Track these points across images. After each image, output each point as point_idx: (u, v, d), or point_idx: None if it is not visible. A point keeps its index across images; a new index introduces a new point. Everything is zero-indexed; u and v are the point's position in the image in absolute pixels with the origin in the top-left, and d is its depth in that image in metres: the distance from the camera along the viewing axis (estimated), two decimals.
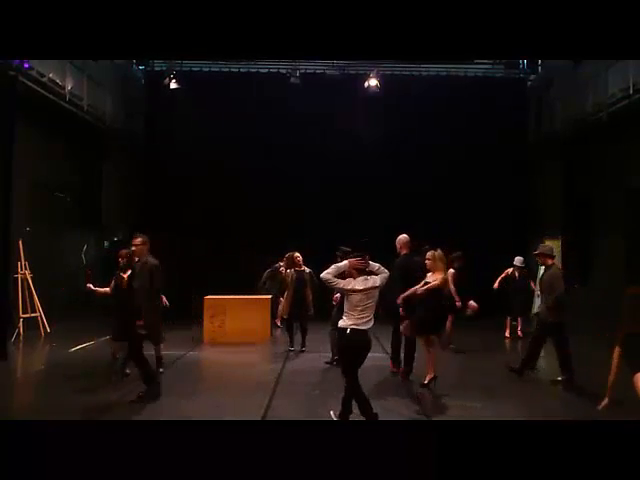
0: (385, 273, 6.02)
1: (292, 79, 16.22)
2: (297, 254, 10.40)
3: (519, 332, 12.00)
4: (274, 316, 12.71)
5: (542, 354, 9.33)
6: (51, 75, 11.68)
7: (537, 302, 15.59)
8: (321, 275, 5.86)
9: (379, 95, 15.69)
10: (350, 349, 5.85)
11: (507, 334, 12.08)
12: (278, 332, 12.48)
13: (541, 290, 8.21)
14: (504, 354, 10.85)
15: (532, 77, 17.17)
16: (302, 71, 16.36)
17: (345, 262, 5.92)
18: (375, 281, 5.90)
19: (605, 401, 5.99)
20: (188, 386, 7.79)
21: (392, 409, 6.66)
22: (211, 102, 16.14)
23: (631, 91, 11.10)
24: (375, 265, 6.00)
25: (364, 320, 5.80)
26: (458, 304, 9.77)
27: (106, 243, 15.76)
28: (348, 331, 5.77)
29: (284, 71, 16.48)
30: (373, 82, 15.72)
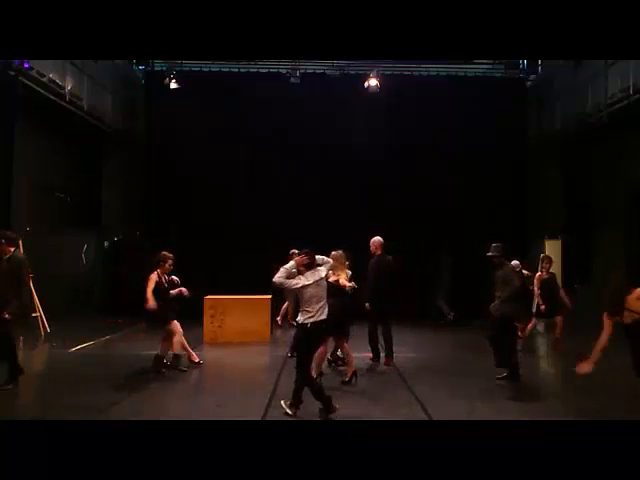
0: (328, 262, 6.67)
1: (292, 79, 16.22)
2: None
3: (519, 333, 11.90)
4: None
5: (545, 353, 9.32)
6: (51, 75, 11.67)
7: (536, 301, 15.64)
8: (273, 280, 6.29)
9: (379, 95, 15.68)
10: (311, 341, 6.38)
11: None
12: (278, 332, 12.46)
13: (496, 287, 8.24)
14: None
15: (532, 77, 17.17)
16: (302, 71, 16.35)
17: (292, 262, 6.41)
18: (321, 273, 6.44)
19: (587, 365, 5.75)
20: (188, 386, 7.79)
21: (392, 409, 6.66)
22: (211, 102, 16.14)
23: (631, 91, 11.09)
24: (320, 257, 6.57)
25: (320, 311, 6.28)
26: (542, 307, 10.23)
27: (106, 243, 15.76)
28: (309, 325, 6.25)
29: (284, 71, 16.48)
30: (373, 82, 15.71)
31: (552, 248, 15.30)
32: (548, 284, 10.32)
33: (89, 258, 14.62)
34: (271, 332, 11.83)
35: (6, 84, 10.11)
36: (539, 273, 10.53)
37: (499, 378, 8.10)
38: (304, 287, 6.28)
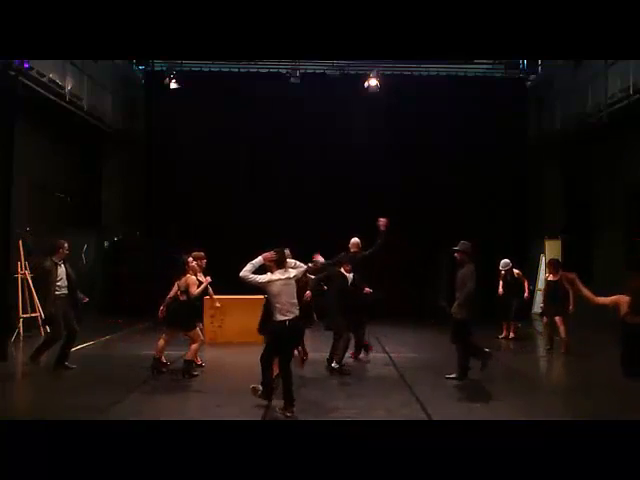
0: (302, 267, 6.77)
1: (292, 79, 16.23)
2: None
3: (511, 333, 11.87)
4: None
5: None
6: (51, 75, 11.66)
7: (537, 301, 15.64)
8: (240, 275, 6.36)
9: (379, 95, 15.68)
10: (287, 339, 6.47)
11: (504, 335, 12.00)
12: None
13: (455, 286, 8.23)
14: (503, 355, 10.86)
15: (532, 77, 17.17)
16: (302, 71, 16.36)
17: (259, 258, 6.44)
18: (290, 274, 6.50)
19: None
20: (188, 386, 7.78)
21: (392, 409, 6.66)
22: (211, 102, 16.14)
23: (631, 91, 11.09)
24: (292, 261, 6.73)
25: (292, 308, 6.39)
26: (541, 306, 10.95)
27: (106, 243, 15.75)
28: (287, 324, 6.33)
29: (284, 71, 16.48)
30: (373, 82, 15.72)
31: (552, 248, 15.29)
32: (554, 286, 10.37)
33: (89, 258, 14.60)
34: None
35: (6, 84, 10.08)
36: (547, 274, 10.69)
37: (448, 377, 8.10)
38: (270, 282, 6.36)
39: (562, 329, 10.27)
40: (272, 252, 6.49)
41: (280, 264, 6.47)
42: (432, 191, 16.04)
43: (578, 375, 8.63)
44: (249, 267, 6.36)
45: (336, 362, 8.66)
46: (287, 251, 7.82)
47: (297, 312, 6.46)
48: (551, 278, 10.49)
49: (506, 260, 11.65)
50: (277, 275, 6.40)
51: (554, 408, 6.90)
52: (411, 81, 16.51)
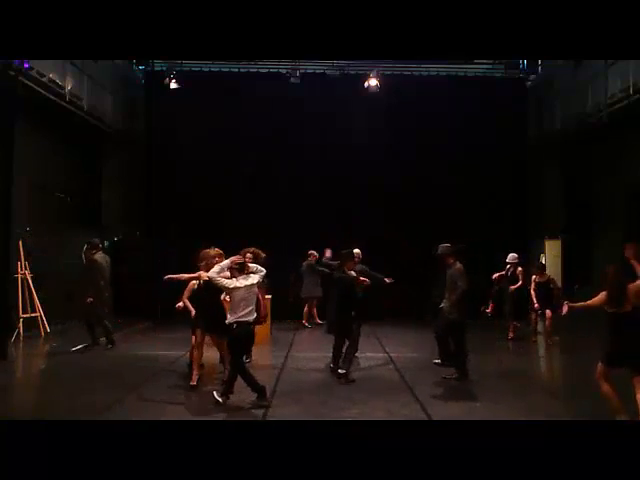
0: (262, 272, 6.99)
1: (292, 79, 16.23)
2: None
3: (510, 334, 11.79)
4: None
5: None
6: (51, 75, 11.66)
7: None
8: (208, 275, 6.81)
9: (379, 95, 15.68)
10: (238, 340, 6.76)
11: (490, 309, 12.16)
12: (279, 334, 12.46)
13: (445, 288, 8.22)
14: (503, 355, 10.86)
15: (532, 77, 17.17)
16: (302, 71, 16.36)
17: (227, 261, 6.81)
18: (254, 279, 6.82)
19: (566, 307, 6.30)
20: (188, 386, 7.78)
21: (392, 409, 6.66)
22: (211, 102, 16.14)
23: (631, 91, 11.09)
24: (254, 266, 6.99)
25: (246, 312, 6.69)
26: (536, 306, 11.13)
27: (106, 243, 15.73)
28: (235, 326, 6.66)
29: (284, 71, 16.48)
30: (373, 82, 15.71)
31: (552, 248, 15.28)
32: (543, 285, 11.09)
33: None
34: (270, 332, 11.82)
35: (6, 84, 10.09)
36: (534, 276, 11.21)
37: (446, 377, 8.10)
38: (235, 289, 6.67)
39: (548, 323, 10.90)
40: (238, 256, 6.90)
41: (242, 270, 6.80)
42: (432, 191, 16.03)
43: (578, 375, 8.62)
44: (217, 269, 6.71)
45: (334, 364, 8.65)
46: (357, 250, 8.79)
47: (252, 317, 6.76)
48: (538, 279, 11.14)
49: (514, 254, 11.76)
50: (241, 281, 6.73)
51: (554, 408, 6.91)
52: (411, 81, 16.50)
